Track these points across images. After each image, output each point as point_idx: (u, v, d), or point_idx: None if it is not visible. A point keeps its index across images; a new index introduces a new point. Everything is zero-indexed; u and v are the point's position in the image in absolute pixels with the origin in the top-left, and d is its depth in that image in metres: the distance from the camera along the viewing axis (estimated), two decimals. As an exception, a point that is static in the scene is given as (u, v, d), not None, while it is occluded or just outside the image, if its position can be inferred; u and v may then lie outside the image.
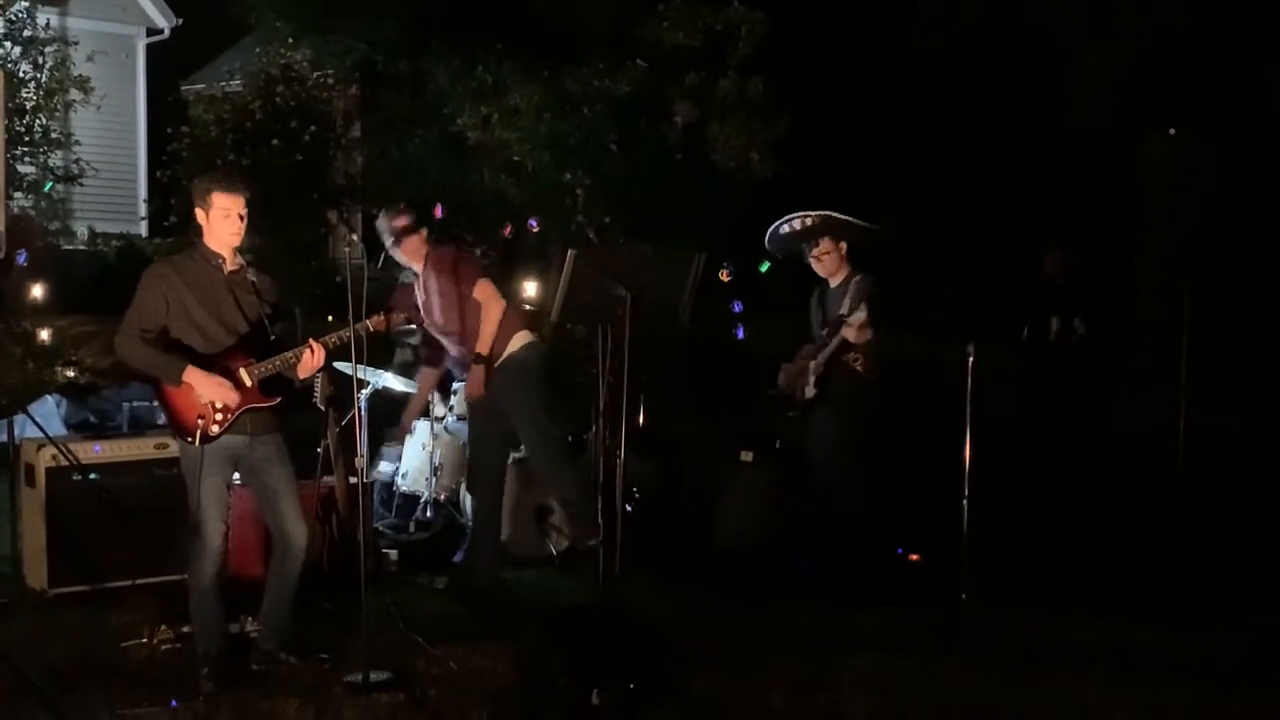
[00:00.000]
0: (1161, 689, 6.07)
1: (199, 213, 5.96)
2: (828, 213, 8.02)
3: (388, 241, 7.57)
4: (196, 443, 5.81)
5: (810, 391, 7.97)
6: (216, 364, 5.86)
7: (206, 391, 5.82)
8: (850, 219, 7.98)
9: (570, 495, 7.66)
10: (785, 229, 8.07)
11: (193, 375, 5.79)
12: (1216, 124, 11.32)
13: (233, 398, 5.85)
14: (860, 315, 7.61)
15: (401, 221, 7.53)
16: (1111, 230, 12.39)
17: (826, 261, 8.00)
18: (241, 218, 5.94)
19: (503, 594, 7.56)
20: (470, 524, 8.03)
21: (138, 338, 5.85)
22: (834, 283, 8.05)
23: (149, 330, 5.86)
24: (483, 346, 7.44)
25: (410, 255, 7.61)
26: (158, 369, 5.85)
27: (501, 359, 7.50)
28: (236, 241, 5.99)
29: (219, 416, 5.86)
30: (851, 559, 7.75)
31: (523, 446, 7.83)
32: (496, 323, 7.46)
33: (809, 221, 8.04)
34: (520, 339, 7.59)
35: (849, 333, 7.66)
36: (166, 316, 5.87)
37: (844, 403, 7.86)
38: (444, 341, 7.77)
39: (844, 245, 7.99)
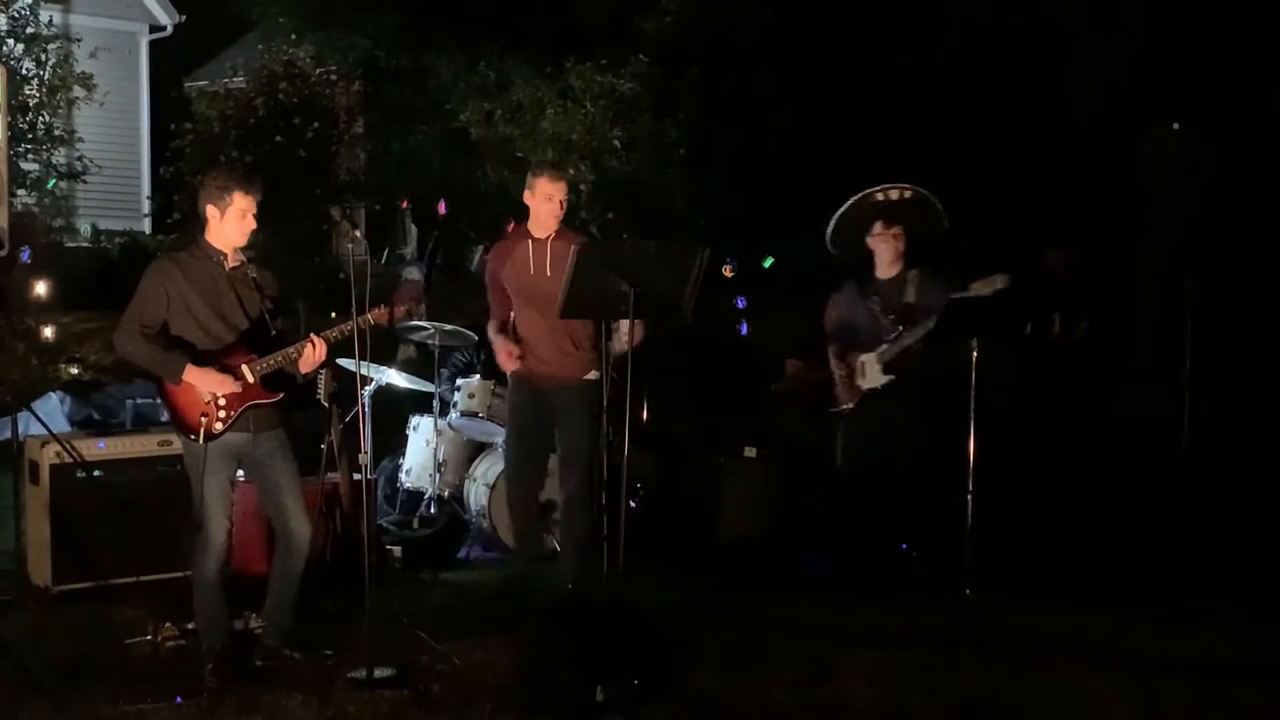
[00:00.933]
0: (1165, 683, 6.06)
1: (211, 209, 5.95)
2: (924, 191, 7.98)
3: (539, 196, 7.10)
4: (200, 441, 5.82)
5: (879, 380, 7.84)
6: (218, 361, 5.87)
7: (208, 386, 5.83)
8: (940, 210, 7.96)
9: (582, 534, 7.14)
10: (881, 196, 7.93)
11: (193, 373, 5.80)
12: (1217, 118, 11.31)
13: (234, 388, 5.86)
14: (998, 282, 7.40)
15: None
16: (1113, 225, 12.38)
17: (895, 245, 7.88)
18: (255, 218, 6.00)
19: (505, 589, 7.55)
20: (512, 520, 7.72)
21: (138, 334, 5.85)
22: (887, 273, 7.94)
23: (149, 326, 5.86)
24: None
25: (549, 219, 7.13)
26: (158, 366, 5.86)
27: (589, 376, 7.08)
28: (245, 241, 6.02)
29: (221, 414, 5.87)
30: (887, 552, 7.76)
31: (566, 460, 7.29)
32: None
33: (907, 194, 7.96)
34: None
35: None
36: (168, 312, 5.87)
37: (914, 388, 7.78)
38: (541, 310, 7.08)
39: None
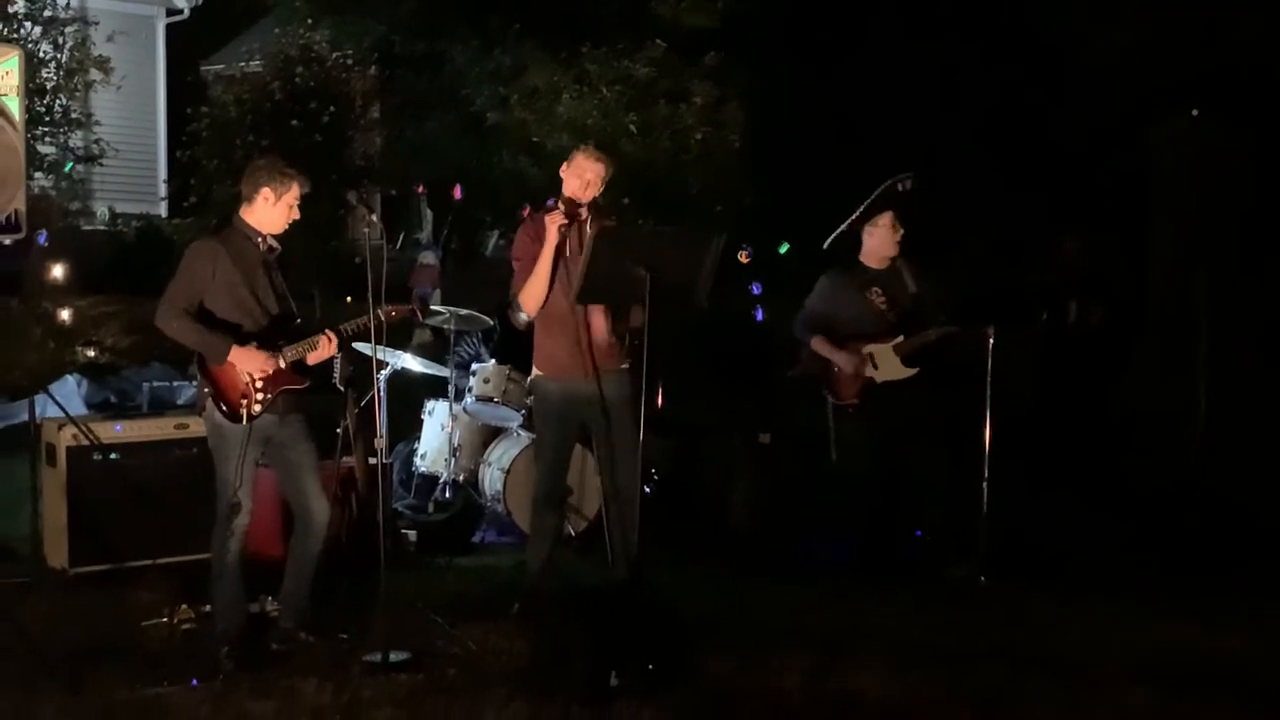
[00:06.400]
0: (1180, 672, 6.06)
1: (268, 190, 6.02)
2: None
3: (572, 171, 6.63)
4: (244, 421, 5.85)
5: (901, 374, 7.68)
6: (254, 344, 5.93)
7: (251, 367, 5.88)
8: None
9: (633, 531, 6.59)
10: (901, 187, 7.71)
11: (238, 354, 5.86)
12: (1230, 107, 11.29)
13: (274, 367, 5.92)
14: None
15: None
16: (1126, 214, 12.38)
17: (896, 235, 7.74)
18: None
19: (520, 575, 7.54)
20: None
21: (183, 313, 5.88)
22: (879, 263, 7.83)
23: (191, 305, 5.90)
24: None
25: (579, 196, 6.65)
26: (204, 346, 5.88)
27: (625, 365, 6.70)
28: (282, 230, 6.12)
29: (259, 395, 5.91)
30: (899, 540, 7.75)
31: (620, 454, 6.71)
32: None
33: (911, 185, 7.83)
34: None
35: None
36: (209, 292, 5.91)
37: (932, 380, 7.72)
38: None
39: None
